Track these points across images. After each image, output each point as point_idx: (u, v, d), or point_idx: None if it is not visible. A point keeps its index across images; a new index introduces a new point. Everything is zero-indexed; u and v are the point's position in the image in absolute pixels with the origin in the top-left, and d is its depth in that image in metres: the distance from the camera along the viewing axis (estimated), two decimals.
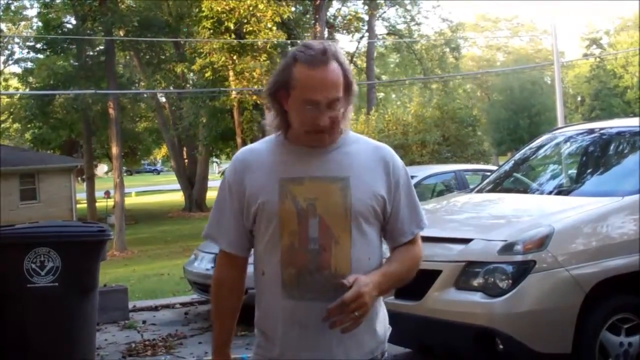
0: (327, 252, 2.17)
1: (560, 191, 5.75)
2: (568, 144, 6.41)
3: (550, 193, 5.76)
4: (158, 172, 78.24)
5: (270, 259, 2.22)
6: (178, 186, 38.99)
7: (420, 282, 4.59)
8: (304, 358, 2.21)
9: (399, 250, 2.34)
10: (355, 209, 2.20)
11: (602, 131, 6.13)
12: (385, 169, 2.28)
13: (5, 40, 39.09)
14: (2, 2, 35.11)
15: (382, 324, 2.34)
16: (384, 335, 2.34)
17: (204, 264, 7.99)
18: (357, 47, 38.16)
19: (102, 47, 31.36)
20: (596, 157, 6.00)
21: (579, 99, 58.22)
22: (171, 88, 32.83)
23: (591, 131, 6.30)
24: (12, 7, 38.78)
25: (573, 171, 6.18)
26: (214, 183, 44.51)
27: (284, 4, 23.16)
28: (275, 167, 2.24)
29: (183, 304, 8.95)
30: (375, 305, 2.26)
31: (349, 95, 2.23)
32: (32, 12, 41.75)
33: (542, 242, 4.34)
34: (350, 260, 2.19)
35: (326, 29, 28.51)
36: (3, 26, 41.36)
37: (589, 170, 5.96)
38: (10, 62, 42.79)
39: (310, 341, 2.20)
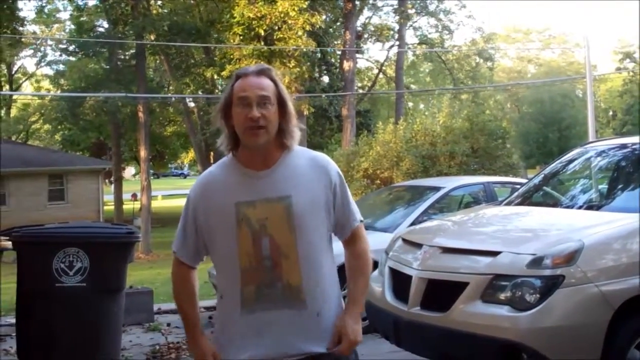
0: (279, 267, 2.46)
1: (591, 206, 5.68)
2: (599, 158, 6.32)
3: (580, 208, 5.69)
4: (185, 176, 78.63)
5: (229, 280, 2.50)
6: None
7: (446, 293, 4.62)
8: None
9: (348, 262, 2.62)
10: (298, 224, 2.42)
11: (634, 146, 6.04)
12: (323, 176, 2.52)
13: (38, 42, 39.66)
14: (36, 4, 35.62)
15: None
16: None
17: None
18: (387, 56, 38.17)
19: (133, 51, 31.64)
20: (628, 173, 5.91)
21: (611, 113, 57.62)
22: (200, 92, 33.03)
23: (623, 146, 6.22)
24: (46, 10, 39.37)
25: (604, 186, 6.10)
26: None
27: (315, 13, 23.18)
28: (231, 190, 2.49)
29: (207, 308, 8.94)
30: (331, 310, 2.53)
31: (284, 110, 2.48)
32: (65, 15, 42.30)
33: (571, 257, 4.29)
34: (300, 271, 2.44)
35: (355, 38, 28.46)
36: (36, 28, 42.00)
37: (620, 186, 5.87)
38: (42, 64, 43.41)
39: (263, 347, 2.48)
